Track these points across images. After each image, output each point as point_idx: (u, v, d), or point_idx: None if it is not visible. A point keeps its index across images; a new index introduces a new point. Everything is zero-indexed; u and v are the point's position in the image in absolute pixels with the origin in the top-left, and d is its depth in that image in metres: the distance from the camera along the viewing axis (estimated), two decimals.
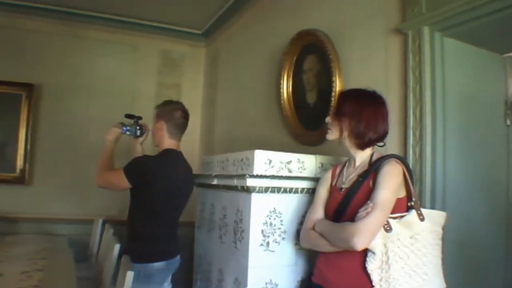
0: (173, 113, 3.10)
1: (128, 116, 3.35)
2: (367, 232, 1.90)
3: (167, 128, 3.07)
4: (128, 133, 3.30)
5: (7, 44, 5.43)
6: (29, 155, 5.45)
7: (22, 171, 5.41)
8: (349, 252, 1.99)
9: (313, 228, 2.21)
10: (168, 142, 3.09)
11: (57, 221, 5.31)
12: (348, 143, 2.20)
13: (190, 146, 5.76)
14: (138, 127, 3.33)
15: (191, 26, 6.17)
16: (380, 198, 1.94)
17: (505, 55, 3.07)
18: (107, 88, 5.80)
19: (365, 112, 2.15)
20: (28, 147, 5.44)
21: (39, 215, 5.28)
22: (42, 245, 4.01)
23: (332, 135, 2.22)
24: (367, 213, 1.92)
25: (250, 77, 4.89)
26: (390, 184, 1.98)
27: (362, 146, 2.19)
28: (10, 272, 2.92)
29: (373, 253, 1.95)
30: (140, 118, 3.37)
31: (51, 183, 5.41)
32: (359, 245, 1.89)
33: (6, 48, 5.42)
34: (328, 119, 2.24)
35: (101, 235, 4.38)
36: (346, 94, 2.25)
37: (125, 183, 2.87)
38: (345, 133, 2.17)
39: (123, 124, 3.29)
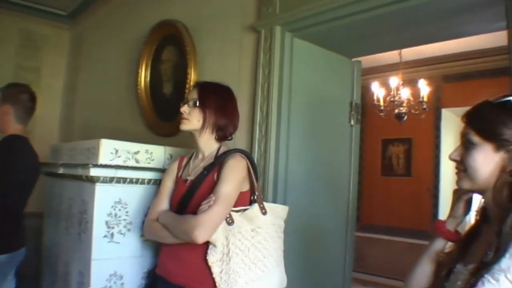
0: (20, 96, 2.91)
1: None
2: (208, 225, 1.92)
3: (13, 112, 2.86)
4: None
5: None
6: None
7: None
8: (191, 244, 2.00)
9: (157, 220, 2.20)
10: (14, 128, 2.87)
11: None
12: (207, 135, 2.19)
13: (48, 133, 5.52)
14: None
15: (55, 6, 5.81)
16: (222, 192, 1.97)
17: (353, 59, 3.27)
18: None
19: (228, 107, 2.21)
20: None
21: None
22: None
23: (190, 125, 2.18)
24: (209, 206, 1.94)
25: (112, 64, 4.76)
26: (233, 178, 2.02)
27: (221, 139, 2.22)
28: None
29: (214, 246, 1.98)
30: None
31: None
32: (200, 238, 1.91)
33: None
34: (185, 109, 2.18)
35: None
36: (210, 87, 2.24)
37: None
38: (208, 125, 2.17)
39: None
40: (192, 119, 2.17)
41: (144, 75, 3.84)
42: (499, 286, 1.11)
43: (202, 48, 3.30)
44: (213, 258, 1.97)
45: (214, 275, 1.96)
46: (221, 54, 3.16)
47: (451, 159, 1.37)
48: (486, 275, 1.12)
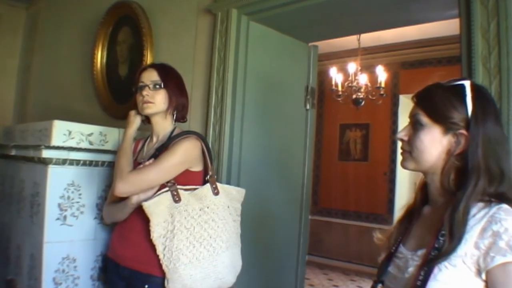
0: None
1: None
2: (131, 181, 1.97)
3: None
4: None
5: None
6: None
7: None
8: (136, 224, 2.04)
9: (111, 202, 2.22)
10: None
11: None
12: (169, 115, 2.21)
13: (2, 114, 5.39)
14: None
15: None
16: (162, 159, 2.00)
17: (310, 44, 3.29)
18: None
19: (183, 86, 2.27)
20: None
21: None
22: None
23: (156, 108, 2.16)
24: (143, 166, 1.99)
25: (67, 45, 4.65)
26: (179, 152, 2.03)
27: (180, 119, 2.26)
28: None
29: (151, 220, 1.96)
30: None
31: None
32: (117, 190, 1.98)
33: None
34: (147, 92, 2.15)
35: None
36: (167, 68, 2.25)
37: None
38: (170, 106, 2.18)
39: None
40: (158, 102, 2.16)
41: (100, 56, 3.77)
42: (456, 271, 1.14)
43: (158, 29, 3.26)
44: (156, 234, 1.96)
45: (157, 252, 1.96)
46: (176, 36, 3.13)
47: (398, 138, 1.38)
48: (443, 262, 1.15)
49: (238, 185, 2.53)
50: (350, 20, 2.88)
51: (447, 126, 1.25)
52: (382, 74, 5.87)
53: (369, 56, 6.73)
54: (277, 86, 3.00)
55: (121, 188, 1.95)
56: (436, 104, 1.29)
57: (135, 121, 2.25)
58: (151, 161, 1.99)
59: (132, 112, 2.28)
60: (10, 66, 5.73)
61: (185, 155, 2.04)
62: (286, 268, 3.12)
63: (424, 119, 1.29)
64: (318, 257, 7.32)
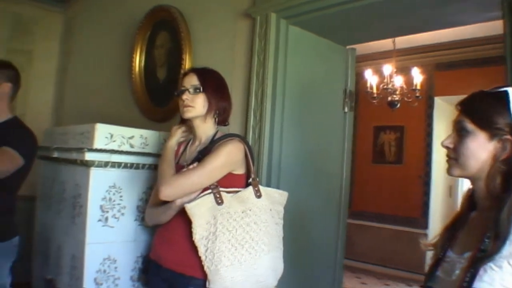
0: (18, 74, 2.81)
1: None
2: (175, 185, 1.98)
3: (11, 93, 2.76)
4: None
5: None
6: None
7: None
8: (179, 226, 2.05)
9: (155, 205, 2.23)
10: (10, 108, 2.78)
11: None
12: (209, 120, 2.21)
13: (41, 115, 5.49)
14: None
15: None
16: (205, 163, 2.00)
17: (348, 46, 3.28)
18: None
19: (225, 90, 2.27)
20: None
21: None
22: None
23: (195, 112, 2.18)
24: (187, 170, 2.00)
25: (104, 48, 4.73)
26: (222, 156, 2.03)
27: (221, 123, 2.26)
28: None
29: (193, 221, 1.97)
30: None
31: None
32: (162, 194, 1.98)
33: None
34: (187, 97, 2.18)
35: None
36: (207, 72, 2.26)
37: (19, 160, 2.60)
38: (211, 110, 2.19)
39: None
40: (197, 105, 2.17)
41: (138, 60, 3.82)
42: (502, 272, 1.14)
43: (196, 34, 3.29)
44: (198, 236, 1.97)
45: (199, 254, 1.97)
46: (215, 40, 3.15)
47: (443, 145, 1.38)
48: (488, 263, 1.15)
49: (277, 187, 2.53)
50: (388, 23, 2.85)
51: (492, 132, 1.26)
52: (418, 76, 5.79)
53: (403, 58, 6.64)
54: (315, 89, 2.99)
55: (166, 192, 1.97)
56: (481, 111, 1.30)
57: (176, 134, 2.28)
58: (195, 164, 2.00)
59: (175, 127, 2.31)
60: (48, 69, 5.85)
61: (229, 158, 2.05)
62: (324, 272, 3.10)
63: (470, 126, 1.30)
64: (350, 261, 7.26)
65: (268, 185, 2.58)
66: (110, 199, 2.51)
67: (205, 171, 1.99)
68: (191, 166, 2.00)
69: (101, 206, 2.48)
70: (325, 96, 3.08)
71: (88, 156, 2.42)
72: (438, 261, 1.38)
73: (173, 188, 1.97)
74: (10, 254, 2.67)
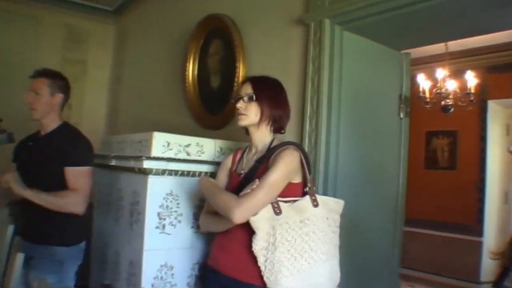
0: (68, 84, 2.89)
1: None
2: (246, 207, 1.94)
3: (62, 102, 2.84)
4: (2, 142, 2.84)
5: None
6: None
7: None
8: (238, 234, 2.05)
9: (210, 212, 2.24)
10: (61, 117, 2.85)
11: None
12: (263, 128, 2.21)
13: (95, 124, 5.64)
14: (7, 133, 2.87)
15: (100, 1, 5.94)
16: (267, 178, 1.98)
17: (402, 51, 3.22)
18: (6, 61, 5.48)
19: (281, 98, 2.25)
20: None
21: None
22: None
23: (249, 120, 2.19)
24: (252, 190, 1.97)
25: (157, 58, 4.82)
26: (281, 167, 2.02)
27: (277, 131, 2.25)
28: None
29: (256, 233, 1.97)
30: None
31: None
32: (236, 218, 1.94)
33: None
34: (241, 105, 2.20)
35: None
36: (262, 81, 2.26)
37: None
38: (264, 118, 2.19)
39: None
40: (250, 113, 2.18)
41: (191, 69, 3.87)
42: None
43: (249, 41, 3.31)
44: (258, 247, 1.97)
45: (259, 264, 1.97)
46: (268, 48, 3.16)
47: (510, 151, 1.35)
48: None
49: (334, 195, 2.49)
50: (442, 27, 2.79)
51: None
52: (472, 79, 5.64)
53: (456, 61, 6.47)
54: (371, 94, 2.95)
55: (238, 216, 1.94)
56: None
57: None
58: (256, 182, 1.99)
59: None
60: (102, 79, 6.02)
61: (287, 168, 2.04)
62: (380, 280, 3.05)
63: None
64: (402, 268, 7.10)
65: (325, 193, 2.56)
66: (167, 206, 2.54)
67: (269, 187, 1.97)
68: (254, 185, 1.98)
69: (158, 213, 2.52)
70: (380, 102, 3.04)
71: (146, 164, 2.46)
72: (505, 271, 1.35)
73: (245, 211, 1.94)
74: (77, 258, 2.76)
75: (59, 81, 2.82)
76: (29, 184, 2.65)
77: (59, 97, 2.79)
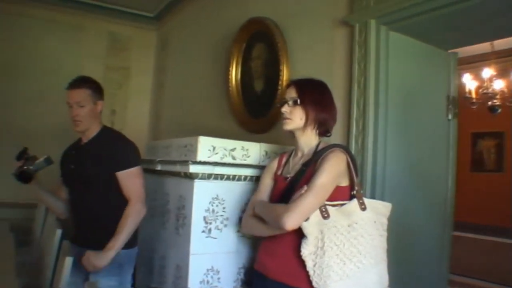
0: (103, 91, 2.84)
1: (21, 155, 2.70)
2: (296, 213, 1.92)
3: (101, 110, 2.81)
4: (42, 167, 2.71)
5: None
6: None
7: None
8: (286, 239, 2.03)
9: (253, 214, 2.24)
10: (101, 122, 2.82)
11: None
12: (309, 132, 2.19)
13: (139, 129, 5.71)
14: (44, 157, 2.72)
15: (141, 8, 6.05)
16: (315, 182, 1.96)
17: (450, 51, 3.15)
18: (51, 69, 5.60)
19: (326, 101, 2.22)
20: None
21: None
22: None
23: (294, 124, 2.17)
24: (301, 195, 1.95)
25: (199, 62, 4.85)
26: (329, 170, 1.99)
27: (322, 134, 2.22)
28: None
29: (307, 238, 1.96)
30: (26, 148, 2.76)
31: None
32: (287, 225, 1.92)
33: None
34: (286, 109, 2.18)
35: (44, 220, 4.26)
36: (307, 84, 2.24)
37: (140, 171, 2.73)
38: (310, 122, 2.16)
39: (27, 168, 2.66)
40: (295, 118, 2.16)
41: (235, 73, 3.88)
42: None
43: (293, 44, 3.29)
44: (306, 252, 1.96)
45: (307, 268, 1.95)
46: (312, 50, 3.14)
47: None
48: None
49: (382, 199, 2.45)
50: (490, 25, 2.70)
51: None
52: None
53: (502, 60, 6.30)
54: (418, 96, 2.89)
55: (290, 222, 1.92)
56: None
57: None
58: (305, 187, 1.97)
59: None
60: (144, 85, 6.12)
61: (334, 171, 2.01)
62: (428, 286, 2.97)
63: None
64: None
65: (372, 196, 2.52)
66: (213, 210, 2.54)
67: (317, 192, 1.95)
68: (302, 190, 1.96)
69: (204, 218, 2.52)
70: (428, 103, 2.98)
71: (192, 169, 2.46)
72: None
73: (296, 218, 1.92)
74: (133, 260, 2.79)
75: (97, 88, 2.79)
76: (77, 193, 2.71)
77: (101, 104, 2.78)
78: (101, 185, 2.66)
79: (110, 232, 2.58)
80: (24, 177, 2.63)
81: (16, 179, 2.63)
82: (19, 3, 5.50)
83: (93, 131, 2.77)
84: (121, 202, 2.64)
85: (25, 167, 2.63)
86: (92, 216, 2.69)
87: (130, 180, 2.65)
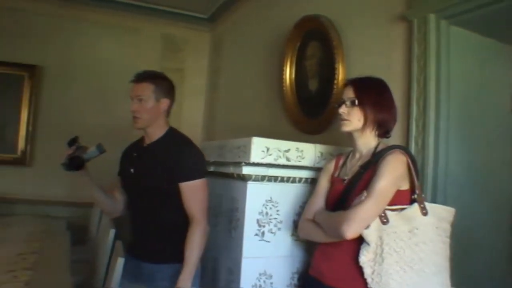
0: (173, 87, 2.61)
1: (72, 142, 2.51)
2: (357, 221, 1.86)
3: (168, 109, 2.55)
4: (94, 156, 2.53)
5: (11, 26, 5.42)
6: (31, 137, 5.48)
7: (23, 152, 5.44)
8: (343, 244, 1.96)
9: (311, 219, 2.18)
10: (167, 123, 2.57)
11: (56, 204, 5.28)
12: (368, 133, 2.11)
13: (193, 131, 5.74)
14: (96, 145, 2.55)
15: (195, 10, 6.12)
16: (376, 187, 1.89)
17: None
18: (108, 71, 5.76)
19: (385, 101, 2.13)
20: (30, 128, 5.48)
21: (39, 197, 5.26)
22: (39, 227, 3.98)
23: (352, 125, 2.10)
24: (361, 202, 1.88)
25: (252, 63, 4.84)
26: (389, 174, 1.91)
27: (382, 135, 2.14)
28: (4, 254, 2.89)
29: (368, 244, 1.89)
30: (77, 137, 2.57)
31: (52, 165, 5.28)
32: (348, 233, 1.86)
33: (9, 30, 5.41)
34: (344, 110, 2.11)
35: (100, 219, 4.32)
36: (365, 83, 2.16)
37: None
38: (369, 123, 2.08)
39: (80, 155, 2.47)
40: (353, 119, 2.09)
41: (289, 72, 3.83)
42: None
43: (348, 41, 3.21)
44: (365, 258, 1.89)
45: (365, 276, 1.88)
46: (368, 47, 3.05)
47: None
48: None
49: (444, 203, 2.32)
50: None
51: None
52: None
53: None
54: (481, 93, 2.75)
55: (351, 230, 1.87)
56: None
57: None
58: (364, 193, 1.89)
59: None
60: (199, 85, 6.19)
61: (394, 174, 1.92)
62: None
63: None
64: None
65: (433, 200, 2.40)
66: (266, 213, 2.49)
67: (377, 197, 1.88)
68: (362, 197, 1.89)
69: (257, 220, 2.48)
70: (491, 101, 2.82)
71: (246, 170, 2.43)
72: None
73: (357, 226, 1.87)
74: (199, 276, 2.53)
75: (164, 84, 2.53)
76: (136, 201, 2.54)
77: (165, 102, 2.50)
78: (162, 194, 2.44)
79: (169, 245, 2.43)
80: (76, 163, 2.42)
81: (65, 167, 2.42)
82: (77, 8, 5.67)
83: (157, 131, 2.51)
84: (184, 213, 2.43)
85: (77, 154, 2.47)
86: (152, 227, 2.49)
87: (194, 193, 2.40)
